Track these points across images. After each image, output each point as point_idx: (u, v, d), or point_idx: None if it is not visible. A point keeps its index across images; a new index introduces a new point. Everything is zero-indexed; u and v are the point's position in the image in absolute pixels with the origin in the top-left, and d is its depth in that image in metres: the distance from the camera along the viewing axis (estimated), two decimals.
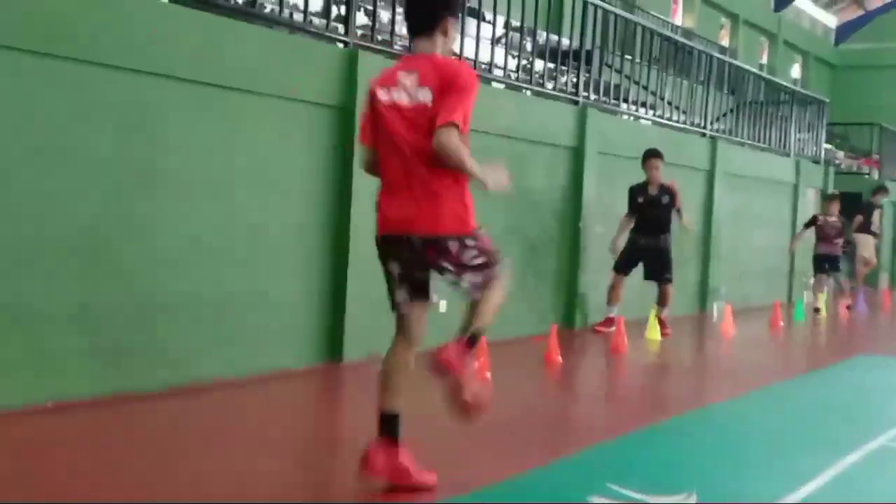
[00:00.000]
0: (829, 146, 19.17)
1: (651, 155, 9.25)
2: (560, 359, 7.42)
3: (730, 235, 12.63)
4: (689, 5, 23.07)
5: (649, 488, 4.00)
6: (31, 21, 4.88)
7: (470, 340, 3.83)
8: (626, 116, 11.12)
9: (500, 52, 9.49)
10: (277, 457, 4.44)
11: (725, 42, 24.61)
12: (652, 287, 9.47)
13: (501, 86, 9.14)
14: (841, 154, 21.41)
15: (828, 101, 16.84)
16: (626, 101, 11.16)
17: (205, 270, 5.89)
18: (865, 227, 16.66)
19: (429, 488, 3.88)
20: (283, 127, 6.42)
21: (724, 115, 13.34)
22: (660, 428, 5.43)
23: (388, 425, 3.87)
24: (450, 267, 3.79)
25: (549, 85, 9.69)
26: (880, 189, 17.06)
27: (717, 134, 12.67)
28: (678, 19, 22.69)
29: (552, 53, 10.58)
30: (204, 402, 5.48)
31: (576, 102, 9.73)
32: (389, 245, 3.87)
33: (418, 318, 3.95)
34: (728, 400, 6.45)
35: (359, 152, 6.74)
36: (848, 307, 13.05)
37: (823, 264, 12.72)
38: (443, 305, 7.84)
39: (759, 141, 14.10)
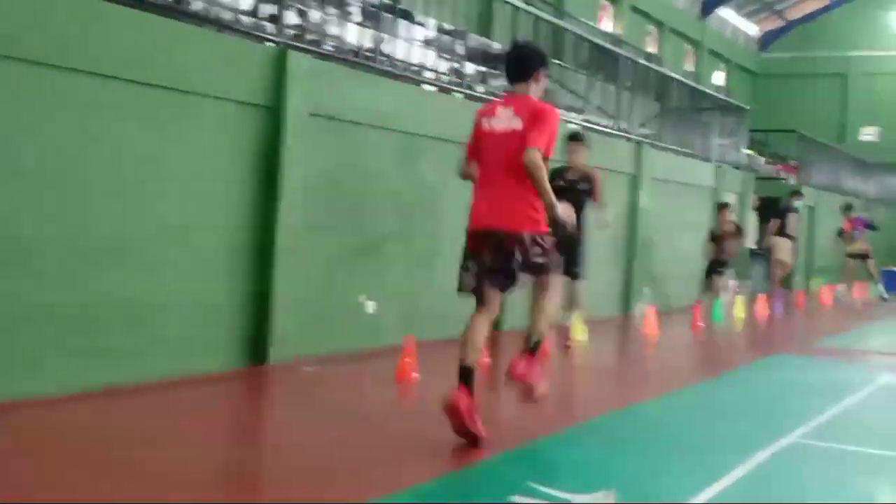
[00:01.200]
0: (749, 152, 19.74)
1: (572, 138, 8.76)
2: (489, 360, 7.52)
3: (653, 238, 12.92)
4: (618, 12, 23.48)
5: (570, 487, 4.10)
6: None
7: (533, 350, 5.03)
8: None
9: (431, 54, 9.56)
10: (196, 460, 4.43)
11: (652, 49, 25.11)
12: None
13: (432, 88, 9.22)
14: (761, 160, 22.06)
15: (749, 108, 17.35)
16: (555, 105, 11.33)
17: (127, 271, 5.82)
18: (782, 231, 17.23)
19: (482, 437, 4.77)
20: (210, 126, 6.39)
21: (650, 120, 13.64)
22: (581, 428, 5.57)
23: (467, 376, 4.81)
24: (520, 258, 4.81)
25: (480, 88, 9.79)
26: (795, 193, 17.63)
27: (642, 139, 12.96)
28: (606, 26, 23.08)
29: (483, 57, 10.69)
30: (123, 406, 5.42)
31: None
32: (478, 239, 4.90)
33: (496, 295, 4.95)
34: (648, 400, 6.63)
35: (288, 152, 6.80)
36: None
37: (715, 269, 12.79)
38: (371, 307, 7.94)
39: (682, 146, 14.46)
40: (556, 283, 4.99)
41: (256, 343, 6.74)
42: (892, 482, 4.90)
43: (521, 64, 5.10)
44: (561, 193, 8.55)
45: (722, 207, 12.97)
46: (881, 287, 17.69)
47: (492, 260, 4.86)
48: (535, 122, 4.80)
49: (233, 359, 6.60)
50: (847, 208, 18.96)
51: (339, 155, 7.54)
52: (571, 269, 8.68)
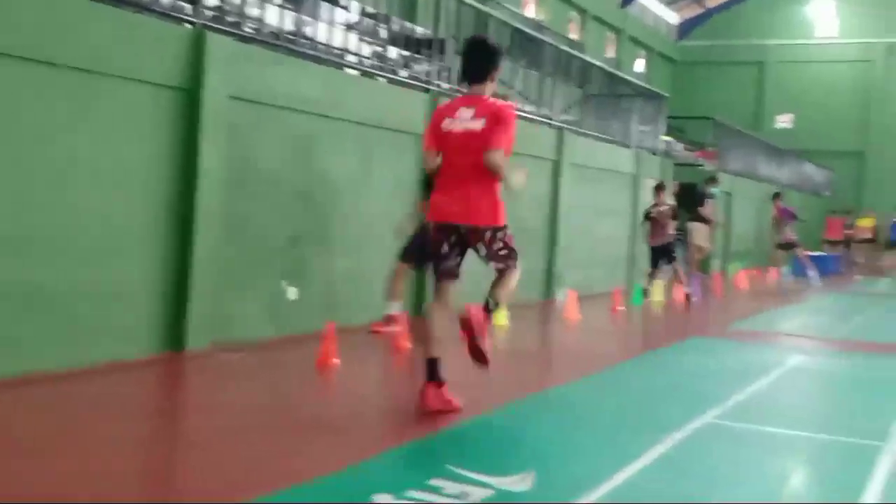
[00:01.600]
0: (667, 138, 20.13)
1: None
2: (409, 345, 7.53)
3: (574, 224, 13.09)
4: None
5: (490, 469, 4.14)
6: None
7: (487, 308, 5.37)
8: None
9: (353, 38, 9.47)
10: (102, 454, 4.33)
11: (574, 36, 25.37)
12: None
13: (355, 72, 9.14)
14: (679, 146, 22.52)
15: (668, 95, 17.68)
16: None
17: (40, 258, 5.64)
18: (698, 216, 17.65)
19: (457, 409, 5.25)
20: (125, 109, 6.22)
21: (571, 106, 13.79)
22: (501, 412, 5.62)
23: (433, 368, 5.24)
24: (483, 250, 5.26)
25: (403, 73, 9.75)
26: (712, 179, 18.06)
27: (563, 125, 13.10)
28: (530, 12, 23.22)
29: (406, 41, 10.65)
30: (37, 395, 5.27)
31: (428, 91, 9.84)
32: (442, 231, 5.28)
33: (451, 288, 5.38)
34: (568, 383, 6.73)
35: (206, 136, 6.66)
36: (687, 296, 13.54)
37: (659, 256, 12.85)
38: (292, 293, 7.86)
39: (603, 133, 14.66)
40: (518, 268, 5.42)
41: (174, 330, 6.62)
42: (802, 461, 5.08)
43: (478, 66, 5.38)
44: None
45: (659, 189, 12.93)
46: (787, 271, 18.03)
47: (449, 251, 5.31)
48: (496, 123, 5.13)
49: (150, 346, 6.47)
50: (776, 196, 19.48)
51: (260, 139, 7.43)
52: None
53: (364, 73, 9.30)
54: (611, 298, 11.91)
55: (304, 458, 4.37)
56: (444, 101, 5.52)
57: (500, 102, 5.37)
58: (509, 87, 11.96)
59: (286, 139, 7.72)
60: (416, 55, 10.29)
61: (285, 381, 6.31)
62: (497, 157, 5.06)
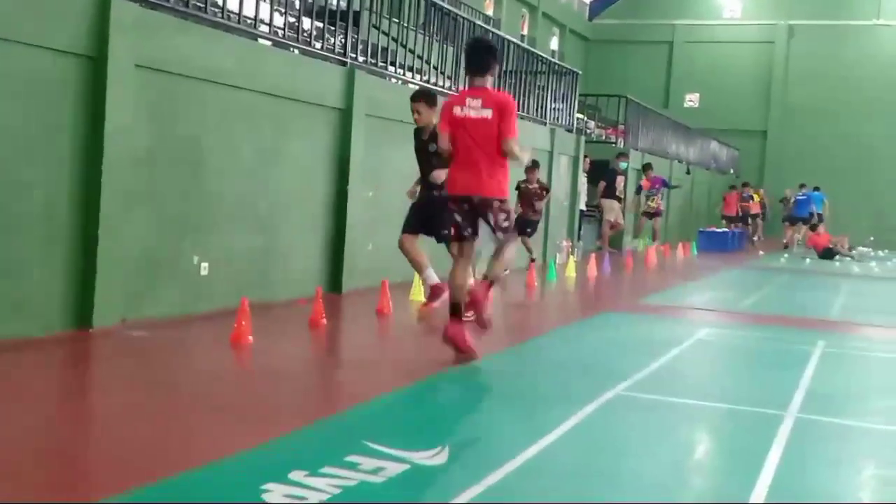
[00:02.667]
0: (581, 116, 20.38)
1: (412, 97, 7.96)
2: (325, 321, 7.47)
3: None
4: None
5: (404, 444, 4.15)
6: None
7: (490, 282, 6.62)
8: (394, 80, 11.25)
9: (265, 7, 9.26)
10: (14, 431, 4.18)
11: (490, 12, 25.40)
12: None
13: (268, 43, 8.95)
14: (592, 124, 22.83)
15: (581, 73, 17.87)
16: (393, 64, 11.28)
17: None
18: (610, 193, 17.96)
19: (476, 353, 6.38)
20: (24, 76, 5.96)
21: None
22: (414, 389, 5.63)
23: (456, 309, 6.35)
24: (491, 219, 6.32)
25: (318, 45, 9.60)
26: (621, 154, 18.39)
27: None
28: None
29: (320, 12, 10.47)
30: None
31: (344, 63, 9.72)
32: (457, 202, 6.35)
33: (470, 246, 6.53)
34: (483, 358, 6.78)
35: (111, 105, 6.44)
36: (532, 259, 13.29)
37: (524, 228, 12.97)
38: (205, 269, 7.70)
39: (518, 109, 14.72)
40: (514, 239, 6.72)
41: (80, 307, 6.41)
42: (708, 430, 5.24)
43: (481, 61, 6.44)
44: (417, 155, 8.18)
45: (530, 167, 12.83)
46: (646, 241, 18.51)
47: (465, 217, 6.36)
48: (504, 114, 6.21)
49: (54, 323, 6.26)
50: (646, 167, 19.92)
51: (168, 110, 7.22)
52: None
53: (277, 44, 9.12)
54: (526, 274, 12.04)
55: (216, 436, 4.30)
56: (450, 96, 7.38)
57: (501, 94, 6.87)
58: (425, 61, 11.90)
59: (197, 111, 7.52)
60: (331, 26, 10.13)
61: (197, 359, 6.19)
62: (513, 144, 6.23)
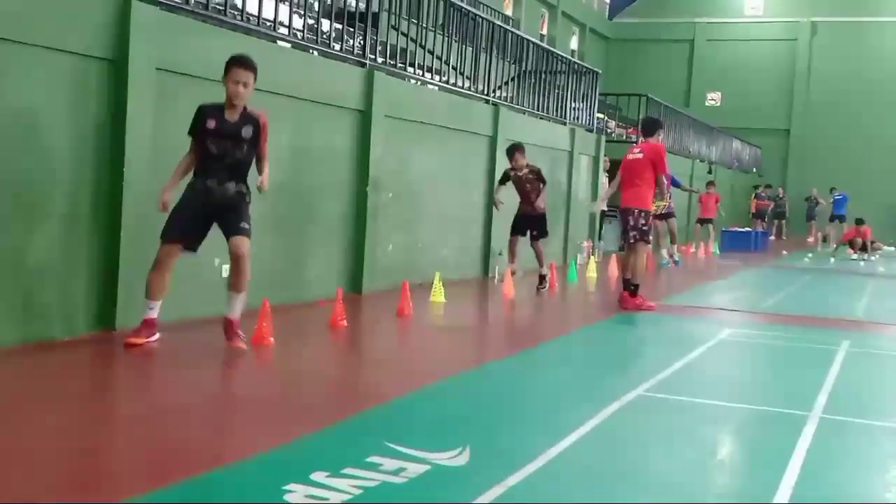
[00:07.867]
0: (601, 115, 20.29)
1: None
2: (345, 323, 7.48)
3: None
4: None
5: (426, 445, 4.14)
6: None
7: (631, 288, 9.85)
8: (413, 81, 11.25)
9: (284, 9, 9.29)
10: (40, 432, 4.21)
11: (509, 12, 25.36)
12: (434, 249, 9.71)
13: (287, 45, 8.98)
14: (612, 123, 22.73)
15: (601, 72, 17.80)
16: (412, 65, 11.29)
17: None
18: None
19: (652, 308, 9.70)
20: (46, 80, 6.00)
21: (507, 82, 13.79)
22: (437, 388, 5.62)
23: (627, 283, 9.80)
24: (632, 223, 9.88)
25: (336, 46, 9.62)
26: None
27: (499, 101, 13.10)
28: None
29: (339, 14, 10.49)
30: None
31: (363, 65, 9.73)
32: (623, 212, 10.06)
33: (641, 246, 10.06)
34: (504, 358, 6.77)
35: (134, 109, 6.46)
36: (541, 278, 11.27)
37: (523, 227, 11.07)
38: (225, 271, 7.72)
39: (538, 109, 14.71)
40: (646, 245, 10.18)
41: (103, 309, 6.45)
42: (731, 430, 5.19)
43: (649, 130, 10.28)
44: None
45: (513, 150, 10.95)
46: (665, 253, 17.19)
47: (623, 223, 10.05)
48: (657, 158, 9.81)
49: (78, 325, 6.30)
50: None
51: (189, 112, 7.23)
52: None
53: (297, 46, 9.15)
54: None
55: (238, 437, 4.31)
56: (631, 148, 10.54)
57: (656, 144, 10.07)
58: (444, 62, 11.90)
59: None
60: (350, 28, 10.15)
61: (218, 361, 6.22)
62: (662, 178, 9.99)
